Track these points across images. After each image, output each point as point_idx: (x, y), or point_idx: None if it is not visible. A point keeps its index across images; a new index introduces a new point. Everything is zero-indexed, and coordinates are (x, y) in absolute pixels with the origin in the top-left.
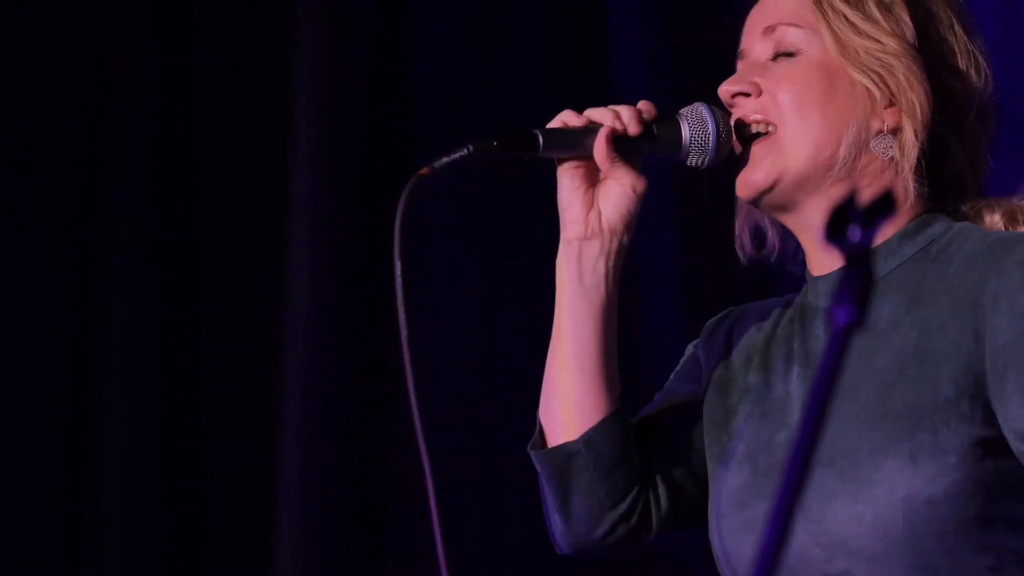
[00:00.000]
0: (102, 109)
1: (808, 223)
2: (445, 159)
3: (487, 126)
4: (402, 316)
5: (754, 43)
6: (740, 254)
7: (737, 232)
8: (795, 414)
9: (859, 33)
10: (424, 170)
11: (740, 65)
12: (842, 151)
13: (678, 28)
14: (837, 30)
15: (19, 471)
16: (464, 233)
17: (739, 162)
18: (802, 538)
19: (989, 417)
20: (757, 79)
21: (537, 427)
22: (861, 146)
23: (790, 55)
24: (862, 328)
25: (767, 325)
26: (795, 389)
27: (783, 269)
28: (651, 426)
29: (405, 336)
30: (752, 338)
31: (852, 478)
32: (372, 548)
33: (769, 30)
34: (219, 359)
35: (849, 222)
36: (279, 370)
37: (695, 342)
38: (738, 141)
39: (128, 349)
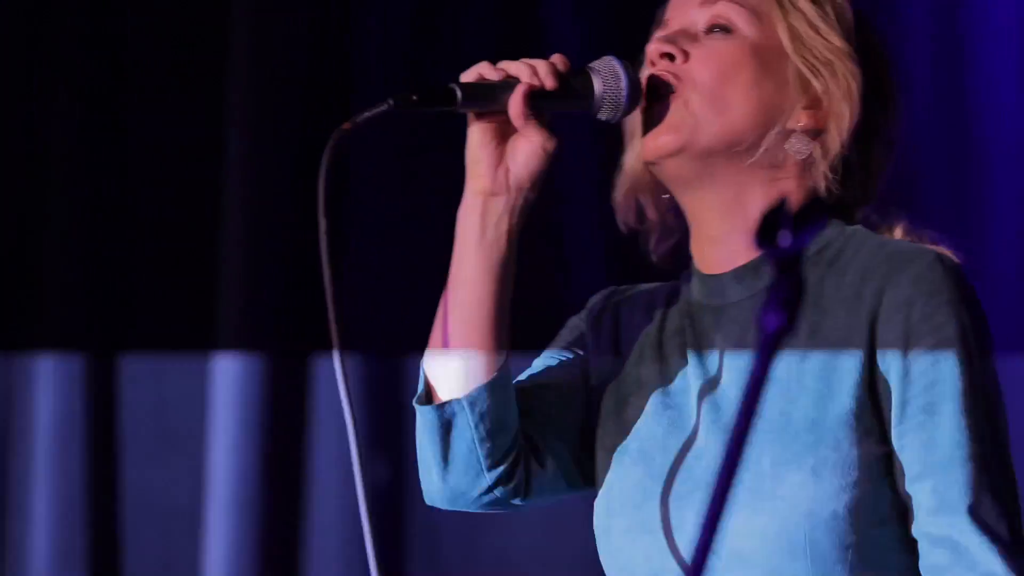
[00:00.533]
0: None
1: (707, 209)
2: (366, 113)
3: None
4: (328, 276)
5: (688, 10)
6: (621, 224)
7: (620, 200)
8: (691, 416)
9: (812, 28)
10: (346, 125)
11: (666, 27)
12: (759, 139)
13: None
14: (792, 19)
15: None
16: (392, 188)
17: (648, 122)
18: None
19: (885, 433)
20: (688, 47)
21: (422, 380)
22: (780, 140)
23: (727, 31)
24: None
25: (656, 317)
26: (691, 389)
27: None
28: (534, 393)
29: (331, 296)
30: (642, 330)
31: (755, 491)
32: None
33: (709, 2)
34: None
35: (767, 222)
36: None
37: (580, 315)
38: (648, 97)
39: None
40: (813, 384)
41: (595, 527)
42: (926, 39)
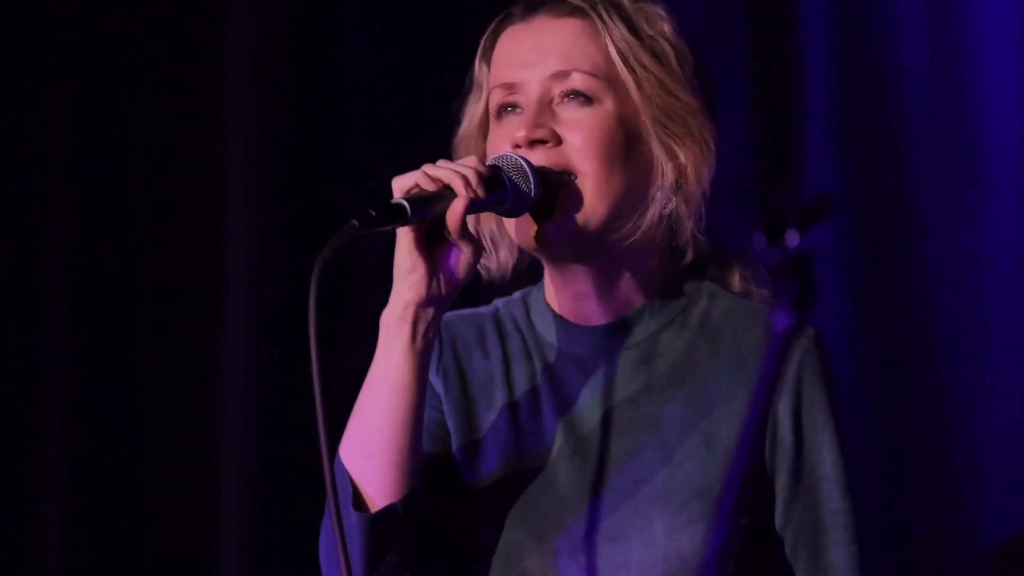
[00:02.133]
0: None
1: (579, 273)
2: (338, 238)
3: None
4: (319, 402)
5: (533, 80)
6: (485, 273)
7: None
8: (558, 473)
9: (664, 89)
10: (325, 253)
11: (512, 91)
12: (643, 211)
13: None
14: (644, 83)
15: None
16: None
17: (541, 214)
18: None
19: (757, 505)
20: (554, 126)
21: (349, 484)
22: (652, 202)
23: (588, 101)
24: (638, 392)
25: (494, 356)
26: (553, 446)
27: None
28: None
29: (322, 418)
30: (486, 369)
31: (645, 557)
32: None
33: (562, 74)
34: (157, 364)
35: (775, 222)
36: (219, 373)
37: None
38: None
39: (64, 354)
40: (701, 454)
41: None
42: (920, 33)
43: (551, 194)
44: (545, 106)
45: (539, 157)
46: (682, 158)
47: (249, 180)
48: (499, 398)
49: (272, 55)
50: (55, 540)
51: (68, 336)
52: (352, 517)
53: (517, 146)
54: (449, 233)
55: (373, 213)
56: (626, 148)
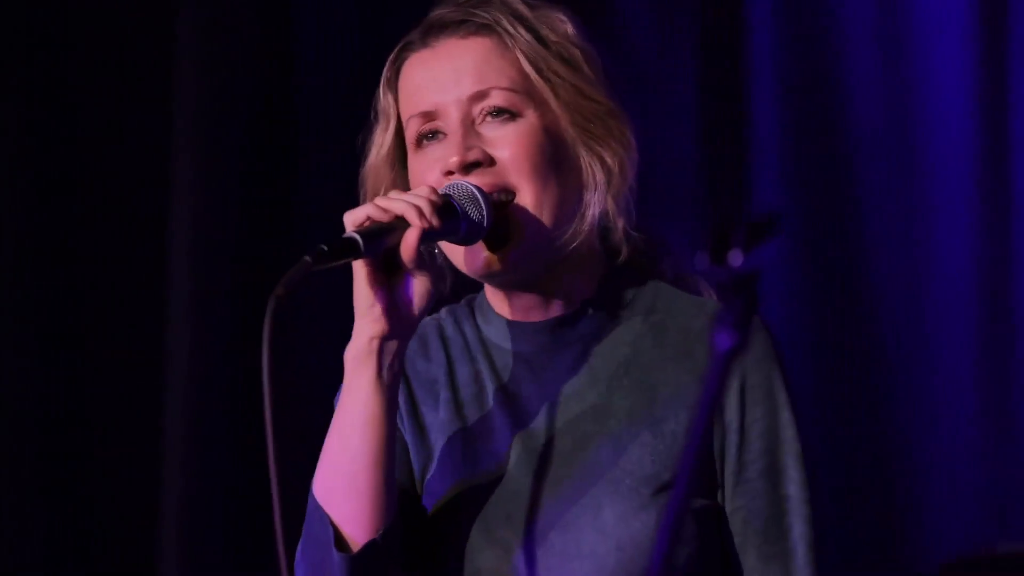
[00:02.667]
0: None
1: (533, 282)
2: (292, 275)
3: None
4: (271, 440)
5: (452, 104)
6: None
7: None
8: (508, 468)
9: (580, 94)
10: (279, 291)
11: (433, 118)
12: (582, 215)
13: None
14: (560, 95)
15: None
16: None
17: (493, 241)
18: None
19: (709, 488)
20: (484, 147)
21: (329, 525)
22: (589, 205)
23: (512, 116)
24: (584, 385)
25: (437, 357)
26: (503, 442)
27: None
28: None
29: (273, 456)
30: (428, 371)
31: (596, 543)
32: (256, 545)
33: (480, 95)
34: (102, 360)
35: (718, 241)
36: (163, 377)
37: None
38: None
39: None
40: (648, 440)
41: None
42: (868, 37)
43: (500, 219)
44: (469, 127)
45: (476, 180)
46: (607, 159)
47: (197, 178)
48: (444, 396)
49: (223, 59)
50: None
51: (11, 339)
52: (335, 558)
53: (450, 172)
54: (406, 265)
55: (325, 248)
56: (556, 157)
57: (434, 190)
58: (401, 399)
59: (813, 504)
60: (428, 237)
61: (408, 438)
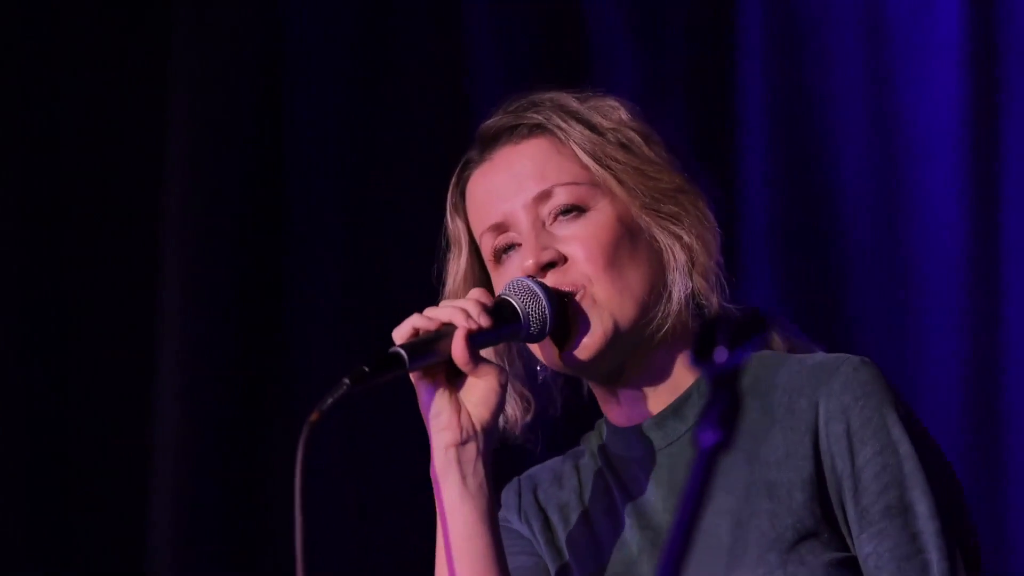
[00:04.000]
0: None
1: (619, 376)
2: (329, 399)
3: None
4: (300, 555)
5: (519, 209)
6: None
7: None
8: (641, 568)
9: (645, 177)
10: (314, 416)
11: (504, 228)
12: (668, 297)
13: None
14: (624, 178)
15: None
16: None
17: (564, 332)
18: None
19: (843, 540)
20: (557, 246)
21: None
22: (673, 286)
23: (580, 212)
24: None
25: (569, 484)
26: (632, 546)
27: None
28: None
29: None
30: (560, 498)
31: None
32: (248, 546)
33: (545, 195)
34: (89, 360)
35: (703, 340)
36: (153, 382)
37: (504, 516)
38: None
39: None
40: (767, 506)
41: None
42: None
43: (567, 311)
44: (540, 229)
45: (553, 280)
46: (685, 237)
47: (193, 174)
48: (575, 519)
49: (218, 69)
50: None
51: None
52: None
53: (528, 275)
54: (461, 368)
55: (366, 369)
56: (630, 244)
57: (485, 292)
58: (537, 528)
59: (950, 533)
60: (484, 338)
61: (548, 561)
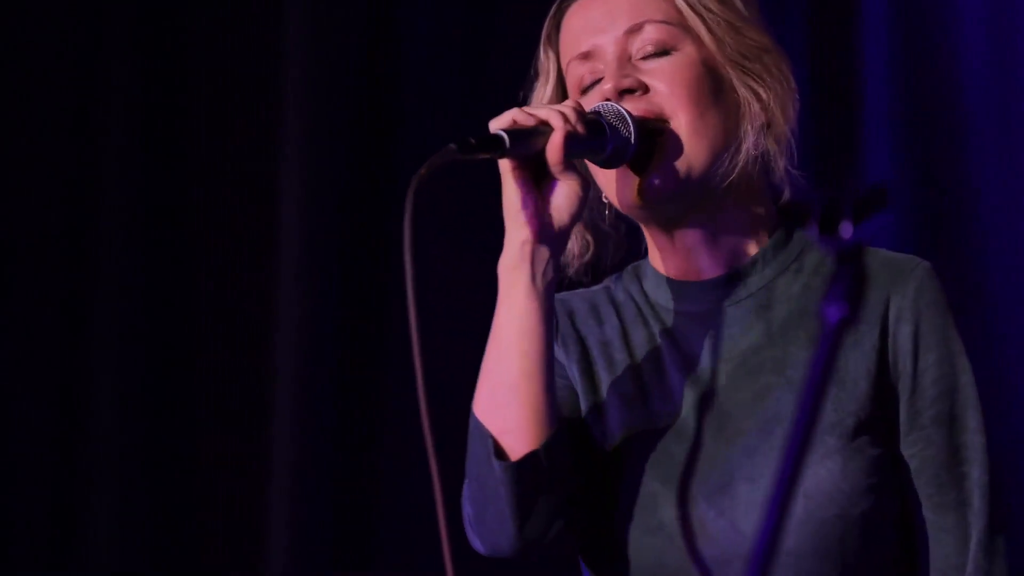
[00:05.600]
0: (87, 114)
1: (683, 227)
2: (436, 159)
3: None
4: (413, 318)
5: (609, 42)
6: (570, 270)
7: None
8: (690, 421)
9: (734, 30)
10: (422, 171)
11: (591, 57)
12: (737, 148)
13: None
14: (714, 28)
15: (6, 468)
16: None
17: (644, 162)
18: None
19: (892, 436)
20: (640, 76)
21: (488, 437)
22: (745, 137)
23: (666, 52)
24: (760, 339)
25: (609, 323)
26: (682, 394)
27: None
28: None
29: (416, 337)
30: (602, 334)
31: (763, 493)
32: (362, 542)
33: (635, 28)
34: (210, 357)
35: (828, 213)
36: (271, 365)
37: None
38: (642, 138)
39: (116, 347)
40: (831, 389)
41: (591, 529)
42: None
43: (648, 143)
44: (625, 62)
45: (629, 106)
46: (764, 96)
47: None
48: (619, 360)
49: (331, 34)
50: (105, 529)
51: (119, 332)
52: (496, 468)
53: (606, 99)
54: (552, 168)
55: (472, 140)
56: (712, 90)
57: (580, 104)
58: (575, 356)
59: (993, 451)
60: (573, 146)
61: (579, 391)
